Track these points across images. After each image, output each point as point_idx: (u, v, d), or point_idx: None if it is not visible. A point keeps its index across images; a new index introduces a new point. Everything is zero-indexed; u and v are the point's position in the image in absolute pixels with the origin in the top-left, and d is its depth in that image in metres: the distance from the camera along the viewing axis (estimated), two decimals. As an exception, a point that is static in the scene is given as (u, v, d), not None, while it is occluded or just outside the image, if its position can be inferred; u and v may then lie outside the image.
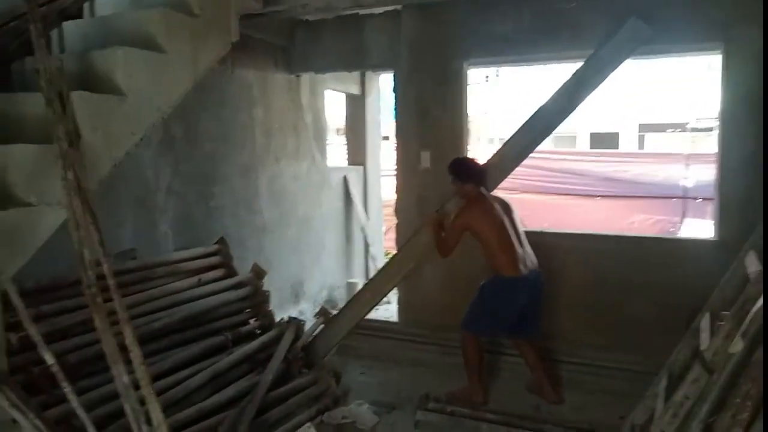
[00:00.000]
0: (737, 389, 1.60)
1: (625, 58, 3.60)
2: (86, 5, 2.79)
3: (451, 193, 3.69)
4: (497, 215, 3.43)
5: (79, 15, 2.72)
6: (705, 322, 2.32)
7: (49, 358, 1.88)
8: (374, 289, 3.95)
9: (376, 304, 4.09)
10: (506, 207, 3.55)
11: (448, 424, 3.17)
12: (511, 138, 3.79)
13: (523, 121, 3.68)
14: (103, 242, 2.00)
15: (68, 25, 2.64)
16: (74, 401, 1.93)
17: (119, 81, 2.16)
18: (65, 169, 1.94)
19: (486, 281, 3.49)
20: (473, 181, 3.50)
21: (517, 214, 3.59)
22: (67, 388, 1.91)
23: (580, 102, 3.63)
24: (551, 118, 3.67)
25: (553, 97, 3.62)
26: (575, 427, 3.07)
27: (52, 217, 1.99)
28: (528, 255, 3.46)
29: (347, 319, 3.94)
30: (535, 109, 3.67)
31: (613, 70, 3.61)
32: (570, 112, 3.71)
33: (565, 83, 3.61)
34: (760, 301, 1.72)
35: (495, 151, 3.92)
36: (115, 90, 2.17)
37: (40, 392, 2.49)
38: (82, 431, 2.19)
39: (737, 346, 1.70)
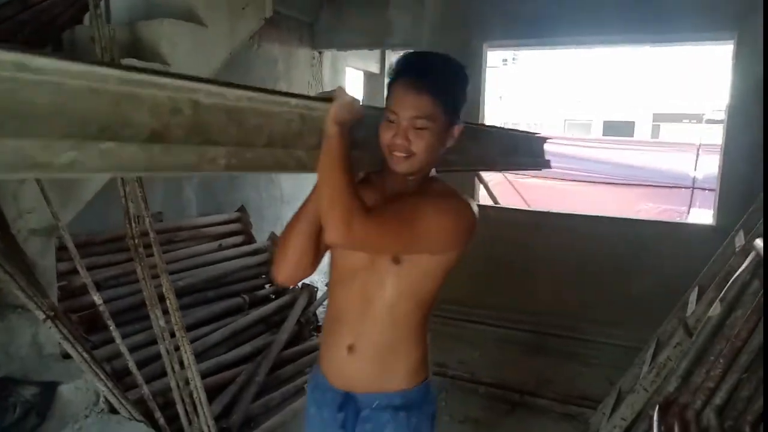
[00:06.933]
0: (712, 348, 1.78)
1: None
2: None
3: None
4: None
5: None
6: (693, 295, 2.49)
7: (98, 299, 2.09)
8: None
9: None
10: None
11: (450, 388, 3.37)
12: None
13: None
14: (146, 198, 2.20)
15: (115, -3, 2.80)
16: (118, 338, 2.15)
17: (164, 51, 2.34)
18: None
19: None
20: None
21: None
22: (112, 326, 2.12)
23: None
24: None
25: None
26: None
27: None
28: None
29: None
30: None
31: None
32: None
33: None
34: (740, 269, 1.88)
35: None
36: (160, 59, 2.34)
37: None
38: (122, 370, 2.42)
39: (716, 310, 1.87)
